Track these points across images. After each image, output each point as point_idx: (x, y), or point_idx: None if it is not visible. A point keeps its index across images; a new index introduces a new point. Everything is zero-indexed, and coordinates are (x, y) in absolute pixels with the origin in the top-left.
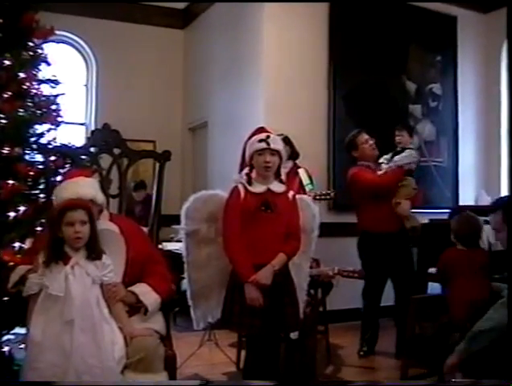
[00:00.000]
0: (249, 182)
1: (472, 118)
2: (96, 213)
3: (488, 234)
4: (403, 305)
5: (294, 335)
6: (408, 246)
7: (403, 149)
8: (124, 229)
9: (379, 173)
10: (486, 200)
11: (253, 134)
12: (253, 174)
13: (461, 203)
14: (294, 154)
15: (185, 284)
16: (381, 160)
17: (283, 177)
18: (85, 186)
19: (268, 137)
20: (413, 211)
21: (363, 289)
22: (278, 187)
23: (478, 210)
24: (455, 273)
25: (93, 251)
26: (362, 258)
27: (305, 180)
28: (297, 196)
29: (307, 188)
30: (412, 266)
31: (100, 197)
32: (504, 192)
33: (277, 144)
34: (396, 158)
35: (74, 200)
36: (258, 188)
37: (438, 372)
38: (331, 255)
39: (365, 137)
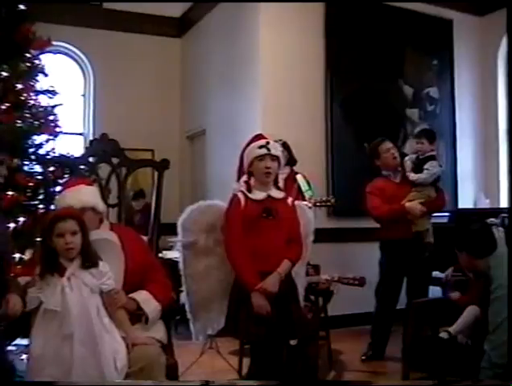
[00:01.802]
0: (249, 189)
1: (470, 121)
2: (96, 222)
3: None
4: None
5: (293, 341)
6: (422, 251)
7: (426, 159)
8: (124, 238)
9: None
10: (485, 203)
11: (251, 141)
12: (252, 182)
13: (460, 206)
14: (291, 160)
15: (183, 297)
16: (406, 160)
17: (281, 183)
18: (87, 194)
19: (268, 143)
20: None
21: (377, 294)
22: (277, 194)
23: (477, 213)
24: None
25: (88, 259)
26: (381, 265)
27: (304, 186)
28: (295, 202)
29: (307, 194)
30: (426, 271)
31: (101, 205)
32: (503, 194)
33: (277, 150)
34: (420, 177)
35: (64, 210)
36: (259, 195)
37: (438, 376)
38: (331, 261)
39: (388, 146)
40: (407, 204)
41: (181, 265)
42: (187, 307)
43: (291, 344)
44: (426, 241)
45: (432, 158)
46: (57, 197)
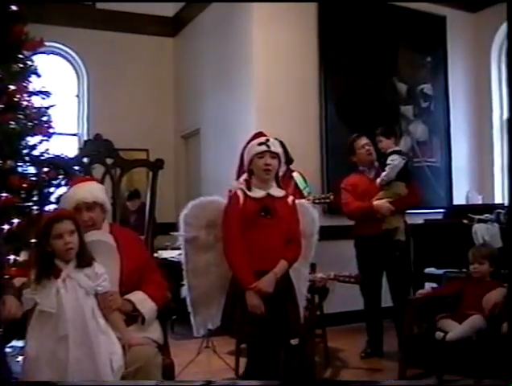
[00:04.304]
0: (249, 187)
1: (464, 117)
2: (101, 220)
3: (482, 232)
4: (399, 306)
5: (294, 341)
6: (392, 250)
7: (389, 155)
8: (121, 239)
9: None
10: (477, 199)
11: (252, 139)
12: (253, 180)
13: (455, 202)
14: (288, 159)
15: (185, 291)
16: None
17: None
18: (99, 191)
19: (268, 140)
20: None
21: (362, 291)
22: (277, 192)
23: (471, 209)
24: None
25: (83, 259)
26: (357, 261)
27: (301, 184)
28: (296, 201)
29: (305, 192)
30: (405, 267)
31: (108, 204)
32: (497, 190)
33: (276, 147)
34: (383, 175)
35: (59, 212)
36: (258, 193)
37: (435, 372)
38: (327, 258)
39: (363, 142)
40: (375, 203)
41: (183, 259)
42: (187, 301)
43: (292, 344)
44: (396, 239)
45: (395, 152)
46: (65, 194)
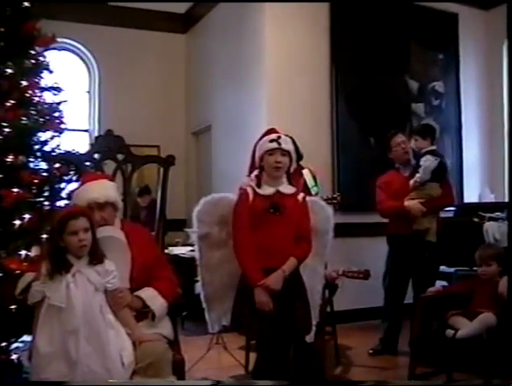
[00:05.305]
0: (259, 184)
1: (476, 115)
2: (113, 218)
3: (494, 231)
4: None
5: (310, 338)
6: (422, 250)
7: (423, 155)
8: (132, 236)
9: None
10: (490, 197)
11: (264, 136)
12: (263, 176)
13: (466, 200)
14: (298, 156)
15: (199, 287)
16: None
17: None
18: (110, 189)
19: (279, 137)
20: None
21: (384, 287)
22: (287, 189)
23: (482, 207)
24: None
25: (95, 257)
26: (387, 259)
27: (310, 182)
28: (309, 198)
29: (313, 191)
30: (433, 268)
31: (120, 202)
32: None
33: (288, 144)
34: (417, 177)
35: (75, 208)
36: (267, 190)
37: (445, 370)
38: (337, 255)
39: (398, 139)
40: (406, 203)
41: (197, 256)
42: (202, 297)
43: (307, 341)
44: (426, 240)
45: (428, 153)
46: (77, 191)
